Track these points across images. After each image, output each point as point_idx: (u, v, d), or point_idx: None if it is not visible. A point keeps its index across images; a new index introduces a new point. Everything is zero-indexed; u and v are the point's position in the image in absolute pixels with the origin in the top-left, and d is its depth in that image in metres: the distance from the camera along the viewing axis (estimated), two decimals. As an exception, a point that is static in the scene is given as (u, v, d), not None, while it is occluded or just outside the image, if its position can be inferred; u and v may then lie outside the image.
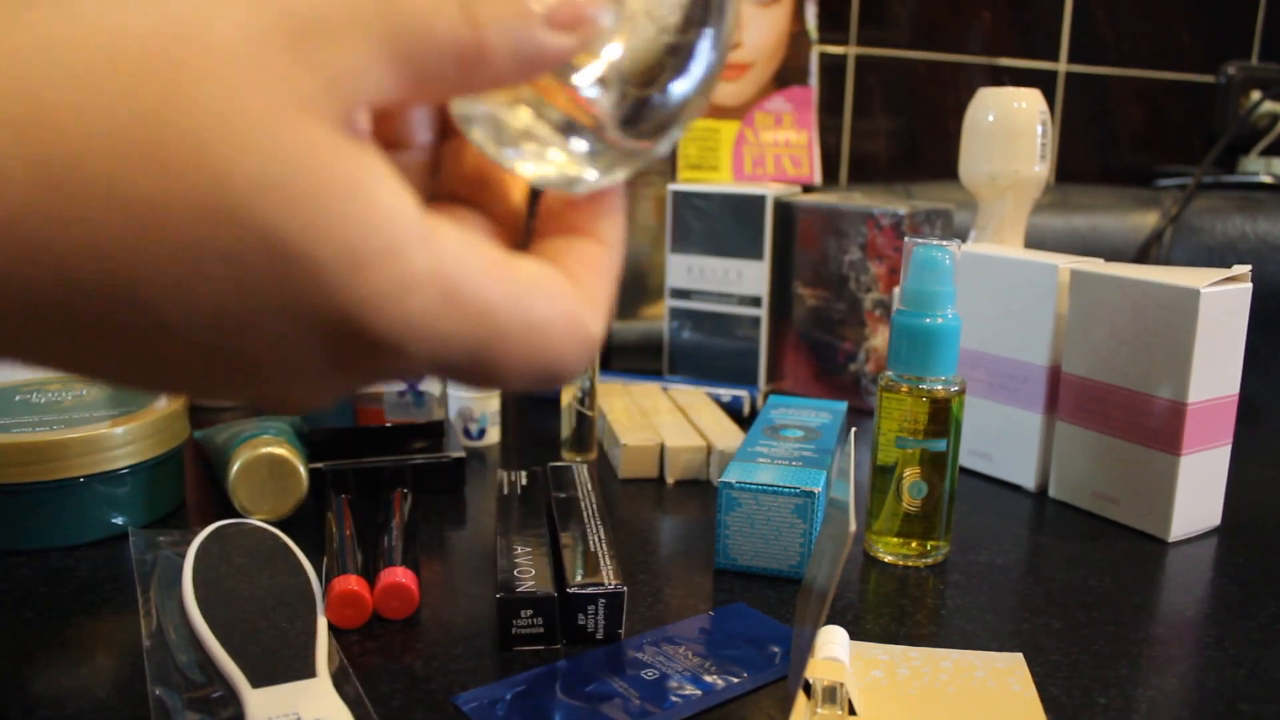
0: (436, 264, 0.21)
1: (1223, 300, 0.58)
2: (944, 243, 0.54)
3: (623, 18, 0.25)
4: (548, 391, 0.84)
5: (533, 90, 0.24)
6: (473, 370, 0.23)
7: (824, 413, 0.65)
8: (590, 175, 0.26)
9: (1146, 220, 1.20)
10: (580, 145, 0.26)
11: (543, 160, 0.26)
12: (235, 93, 0.18)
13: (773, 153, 1.18)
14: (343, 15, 0.19)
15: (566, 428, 0.71)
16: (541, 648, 0.45)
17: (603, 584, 0.46)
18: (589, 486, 0.58)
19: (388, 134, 0.26)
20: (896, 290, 0.80)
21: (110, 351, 0.20)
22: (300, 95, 0.19)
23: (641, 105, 0.26)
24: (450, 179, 0.27)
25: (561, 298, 0.24)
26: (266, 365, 0.20)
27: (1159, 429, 0.59)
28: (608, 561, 0.48)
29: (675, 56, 0.26)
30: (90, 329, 0.19)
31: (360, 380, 0.22)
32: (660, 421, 0.72)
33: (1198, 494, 0.60)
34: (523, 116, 0.25)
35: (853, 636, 0.46)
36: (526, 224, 0.29)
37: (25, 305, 0.18)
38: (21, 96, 0.17)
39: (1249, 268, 0.60)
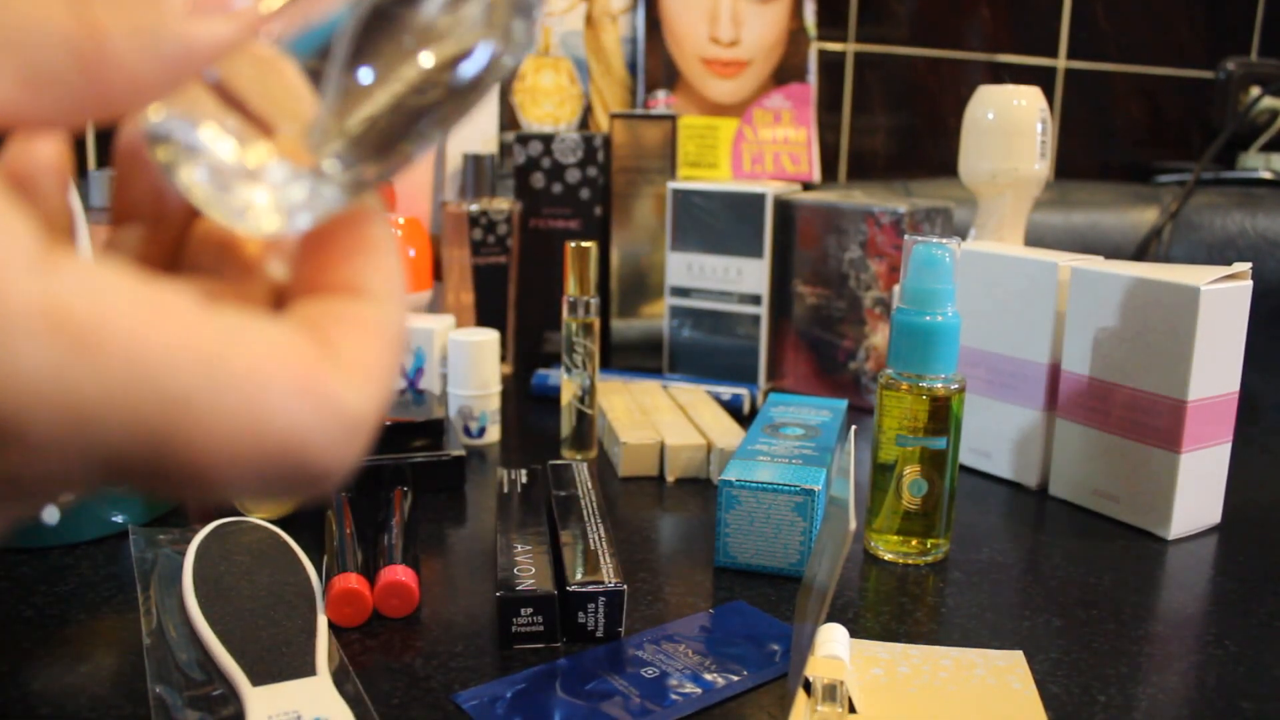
0: (52, 298, 0.15)
1: (1223, 298, 0.58)
2: (944, 240, 0.54)
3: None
4: (548, 390, 0.84)
5: (213, 102, 0.20)
6: (152, 456, 0.17)
7: (824, 411, 0.65)
8: (295, 215, 0.21)
9: (1146, 217, 1.20)
10: (275, 173, 0.21)
11: (230, 193, 0.20)
12: None
13: (772, 150, 1.18)
14: None
15: (567, 426, 0.71)
16: (541, 646, 0.45)
17: (603, 582, 0.46)
18: (589, 485, 0.58)
19: (124, 208, 0.22)
20: (896, 288, 0.80)
21: None
22: None
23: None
24: (187, 244, 0.22)
25: (286, 350, 0.18)
26: None
27: (1159, 426, 0.59)
28: (608, 560, 0.48)
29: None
30: None
31: None
32: (660, 420, 0.72)
33: (1198, 492, 0.60)
34: (203, 136, 0.20)
35: (853, 634, 0.46)
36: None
37: None
38: None
39: (1249, 265, 0.59)
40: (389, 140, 0.22)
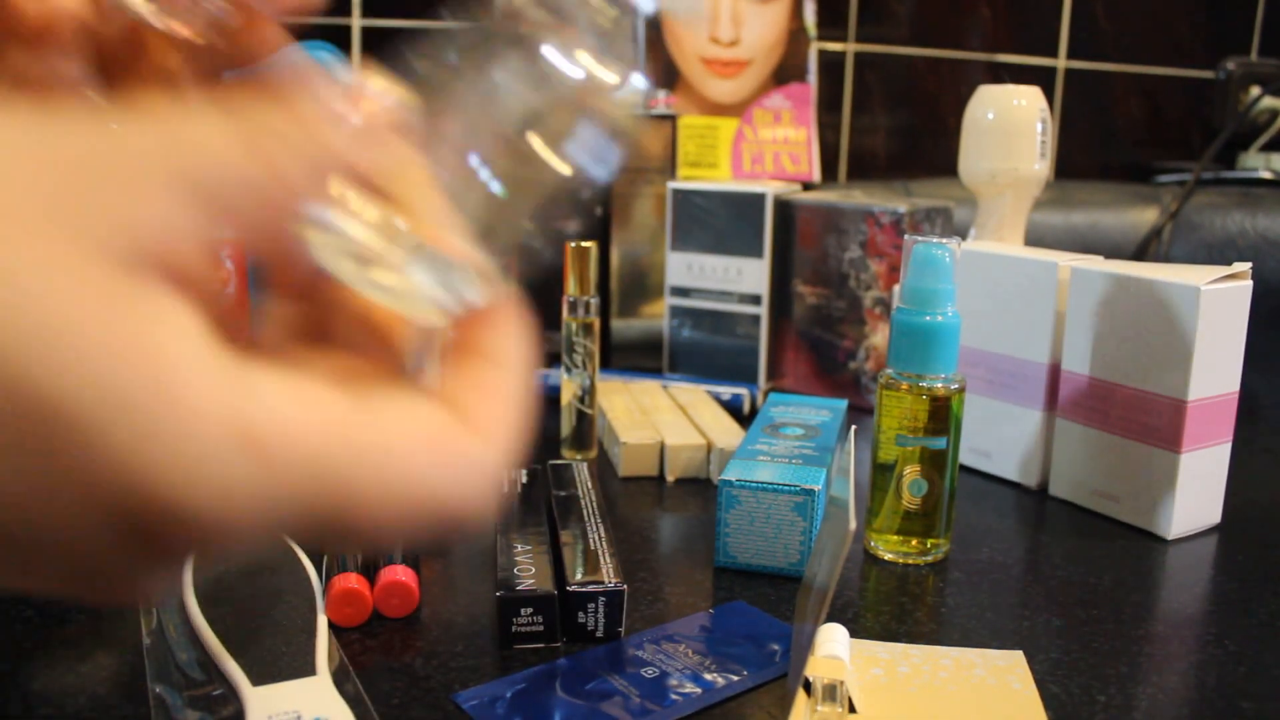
0: (237, 414, 0.18)
1: (1223, 298, 0.58)
2: (944, 240, 0.54)
3: None
4: (547, 390, 0.84)
5: (362, 191, 0.22)
6: (325, 528, 0.20)
7: (824, 411, 0.65)
8: (441, 300, 0.23)
9: (1146, 216, 1.20)
10: (422, 261, 0.23)
11: (380, 278, 0.23)
12: (12, 244, 0.17)
13: (772, 150, 1.18)
14: (129, 157, 0.18)
15: (566, 426, 0.71)
16: (541, 646, 0.45)
17: (603, 582, 0.46)
18: (589, 484, 0.58)
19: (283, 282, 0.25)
20: (896, 288, 0.80)
21: None
22: (84, 241, 0.17)
23: None
24: (329, 321, 0.25)
25: (423, 422, 0.21)
26: (60, 554, 0.18)
27: (1159, 426, 0.59)
28: (608, 560, 0.48)
29: None
30: None
31: (180, 564, 0.19)
32: (660, 419, 0.72)
33: (1198, 491, 0.60)
34: (355, 229, 0.22)
35: (853, 634, 0.46)
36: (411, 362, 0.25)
37: None
38: None
39: (1249, 265, 0.59)
40: (520, 229, 0.26)
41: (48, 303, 0.17)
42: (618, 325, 0.96)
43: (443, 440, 0.21)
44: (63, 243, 0.17)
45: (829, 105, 1.27)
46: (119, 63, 0.31)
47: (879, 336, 0.83)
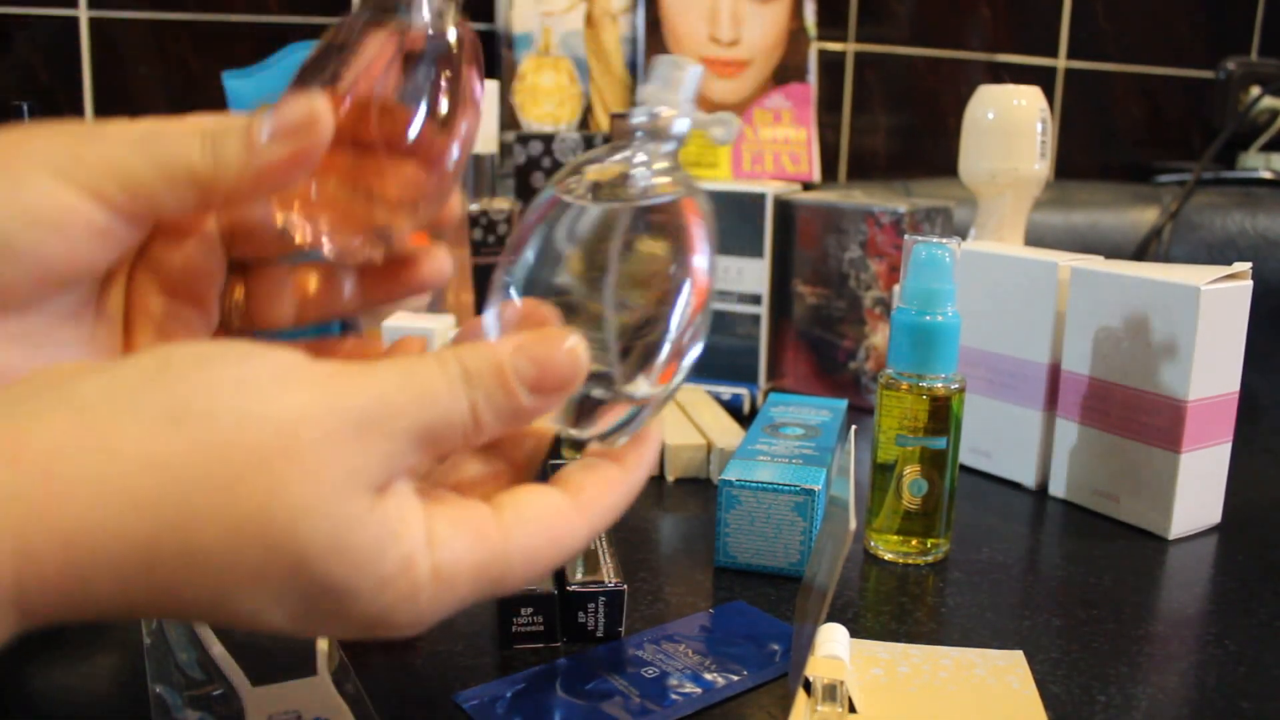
0: (434, 565, 0.28)
1: (1223, 297, 0.58)
2: (944, 240, 0.54)
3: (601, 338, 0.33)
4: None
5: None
6: (484, 598, 0.30)
7: (824, 411, 0.65)
8: (615, 434, 0.34)
9: (1146, 217, 1.20)
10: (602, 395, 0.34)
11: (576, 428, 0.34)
12: (318, 490, 0.26)
13: (772, 150, 1.18)
14: (389, 411, 0.28)
15: (566, 426, 0.70)
16: (542, 646, 0.45)
17: (603, 582, 0.46)
18: (589, 484, 0.58)
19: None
20: (896, 288, 0.80)
21: (196, 619, 0.30)
22: (361, 477, 0.27)
23: (640, 367, 0.34)
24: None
25: (545, 524, 0.31)
26: (324, 632, 0.30)
27: (1159, 426, 0.59)
28: (608, 559, 0.48)
29: (652, 333, 0.34)
30: (181, 616, 0.29)
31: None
32: (660, 419, 0.72)
33: (1198, 491, 0.60)
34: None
35: (853, 634, 0.46)
36: (545, 463, 0.37)
37: (146, 610, 0.27)
38: (176, 500, 0.25)
39: (1249, 265, 0.59)
40: (670, 366, 0.35)
41: (341, 523, 0.26)
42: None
43: (564, 532, 0.31)
44: (341, 483, 0.26)
45: (829, 105, 1.27)
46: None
47: (879, 336, 0.83)
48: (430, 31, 0.36)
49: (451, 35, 0.36)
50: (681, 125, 0.37)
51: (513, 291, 0.35)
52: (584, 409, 0.34)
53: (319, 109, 0.32)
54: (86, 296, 0.34)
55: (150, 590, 0.26)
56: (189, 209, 0.33)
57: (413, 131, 0.35)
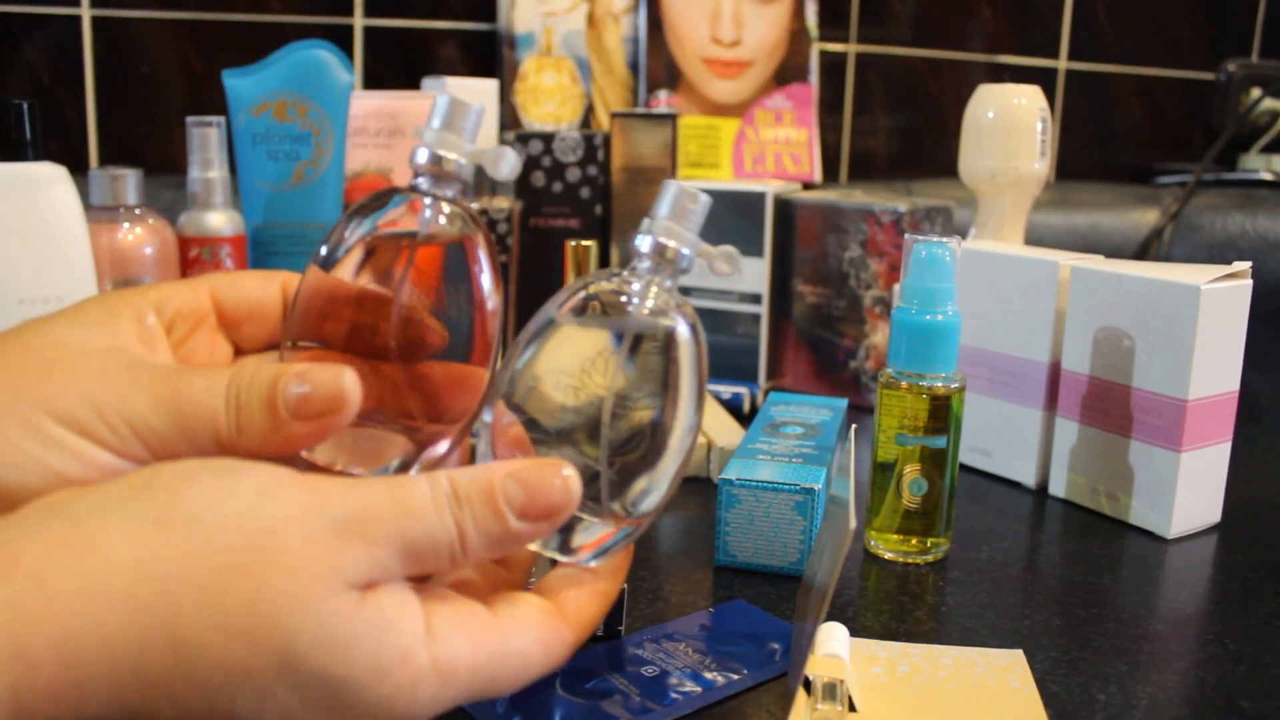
0: (433, 659, 0.29)
1: (1223, 297, 0.58)
2: (944, 239, 0.54)
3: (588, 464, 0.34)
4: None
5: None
6: (474, 700, 0.32)
7: (824, 410, 0.65)
8: (593, 560, 0.36)
9: (1147, 218, 1.20)
10: (583, 537, 0.36)
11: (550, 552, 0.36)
12: (299, 586, 0.27)
13: (773, 150, 1.18)
14: (370, 519, 0.29)
15: (566, 425, 0.70)
16: (541, 644, 0.45)
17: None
18: (589, 483, 0.58)
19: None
20: (897, 287, 0.80)
21: None
22: (342, 575, 0.28)
23: (622, 499, 0.36)
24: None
25: (539, 628, 0.32)
26: None
27: (1159, 425, 0.59)
28: (608, 558, 0.48)
29: (639, 461, 0.36)
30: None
31: None
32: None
33: (1198, 490, 0.60)
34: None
35: (853, 633, 0.46)
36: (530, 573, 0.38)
37: (144, 716, 0.27)
38: (164, 600, 0.26)
39: (1249, 264, 0.59)
40: (648, 497, 0.36)
41: (328, 620, 0.27)
42: (618, 325, 0.96)
43: (554, 641, 0.33)
44: (323, 580, 0.28)
45: (830, 106, 1.27)
46: None
47: (879, 335, 0.83)
48: (440, 238, 0.37)
49: (458, 232, 0.37)
50: (686, 259, 0.38)
51: (503, 403, 0.36)
52: (566, 529, 0.35)
53: (348, 388, 0.32)
54: None
55: (143, 691, 0.26)
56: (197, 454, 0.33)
57: (431, 347, 0.37)
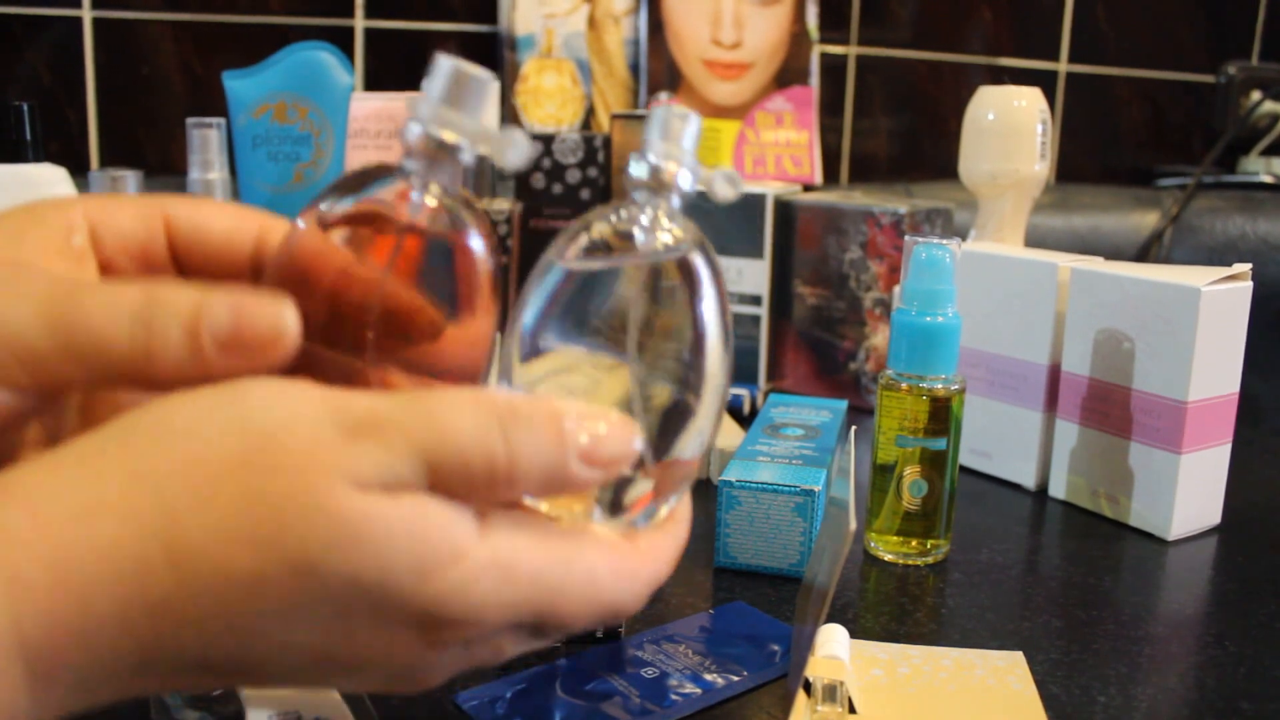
0: (493, 552, 0.26)
1: (1223, 299, 0.58)
2: (944, 241, 0.54)
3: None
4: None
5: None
6: (541, 623, 0.28)
7: (824, 411, 0.65)
8: (638, 519, 0.32)
9: (1147, 220, 1.20)
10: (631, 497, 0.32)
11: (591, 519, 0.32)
12: (303, 483, 0.25)
13: (774, 152, 1.18)
14: (385, 419, 0.26)
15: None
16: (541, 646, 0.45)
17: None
18: (589, 485, 0.58)
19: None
20: (897, 289, 0.80)
21: (236, 677, 0.27)
22: (351, 475, 0.25)
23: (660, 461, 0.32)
24: None
25: (609, 552, 0.29)
26: (375, 662, 0.27)
27: (1159, 427, 0.59)
28: (608, 560, 0.48)
29: (680, 404, 0.33)
30: (221, 669, 0.26)
31: (453, 652, 0.28)
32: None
33: (1198, 492, 0.60)
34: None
35: (853, 635, 0.46)
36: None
37: (175, 660, 0.25)
38: (157, 506, 0.24)
39: (1249, 266, 0.59)
40: (690, 443, 0.33)
41: (339, 521, 0.25)
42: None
43: (624, 566, 0.29)
44: (330, 481, 0.25)
45: (831, 108, 1.27)
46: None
47: (879, 337, 0.83)
48: (427, 229, 0.32)
49: (447, 227, 0.32)
50: (685, 179, 0.34)
51: (516, 361, 0.32)
52: (617, 487, 0.32)
53: (287, 323, 0.27)
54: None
55: (152, 617, 0.24)
56: (104, 388, 0.29)
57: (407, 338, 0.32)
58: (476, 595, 0.26)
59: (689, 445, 0.33)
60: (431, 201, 0.31)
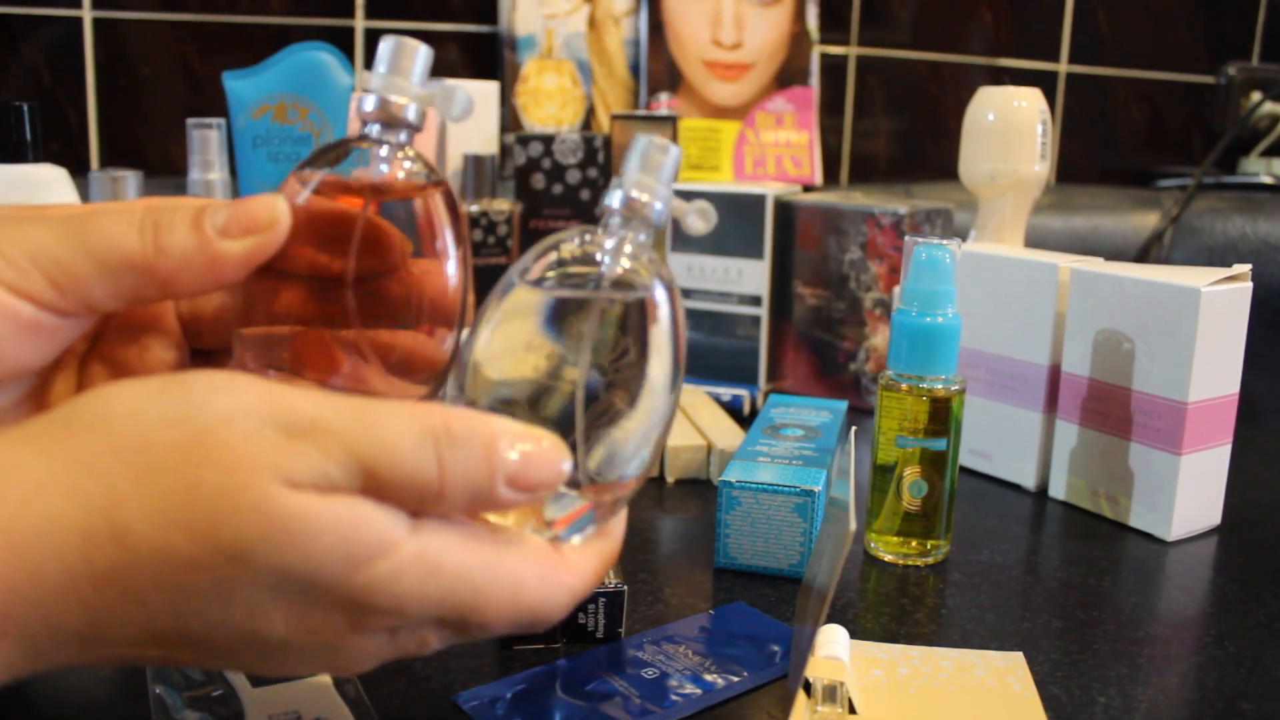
0: (421, 548, 0.28)
1: (1223, 299, 0.58)
2: (944, 242, 0.54)
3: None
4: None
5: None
6: (464, 621, 0.29)
7: (824, 412, 0.65)
8: (574, 536, 0.34)
9: (1147, 221, 1.20)
10: (563, 502, 0.33)
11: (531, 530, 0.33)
12: (239, 479, 0.26)
13: (774, 153, 1.18)
14: (325, 424, 0.27)
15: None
16: (541, 646, 0.45)
17: (603, 583, 0.46)
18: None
19: None
20: (897, 289, 0.80)
21: (177, 653, 0.28)
22: (282, 472, 0.26)
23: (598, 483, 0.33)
24: None
25: (536, 558, 0.30)
26: (308, 643, 0.28)
27: (1159, 428, 0.59)
28: (608, 560, 0.48)
29: (614, 430, 0.34)
30: (162, 642, 0.27)
31: (378, 639, 0.29)
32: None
33: (1198, 493, 0.60)
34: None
35: (853, 635, 0.46)
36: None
37: (119, 630, 0.26)
38: (103, 487, 0.26)
39: (1249, 267, 0.60)
40: (627, 467, 0.34)
41: (272, 515, 0.26)
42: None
43: (549, 574, 0.31)
44: (262, 477, 0.26)
45: (831, 109, 1.27)
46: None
47: (879, 338, 0.83)
48: (398, 190, 0.35)
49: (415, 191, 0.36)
50: (659, 212, 0.35)
51: (470, 371, 0.34)
52: (550, 502, 0.33)
53: (279, 209, 0.31)
54: (22, 394, 0.33)
55: (98, 586, 0.26)
56: (125, 301, 0.31)
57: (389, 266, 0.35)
58: (402, 587, 0.27)
59: (627, 468, 0.34)
60: (399, 161, 0.35)
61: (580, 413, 0.33)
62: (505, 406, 0.33)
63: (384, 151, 0.35)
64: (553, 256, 0.35)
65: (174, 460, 0.26)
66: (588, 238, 0.35)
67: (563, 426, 0.33)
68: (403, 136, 0.35)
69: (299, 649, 0.28)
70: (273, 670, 0.29)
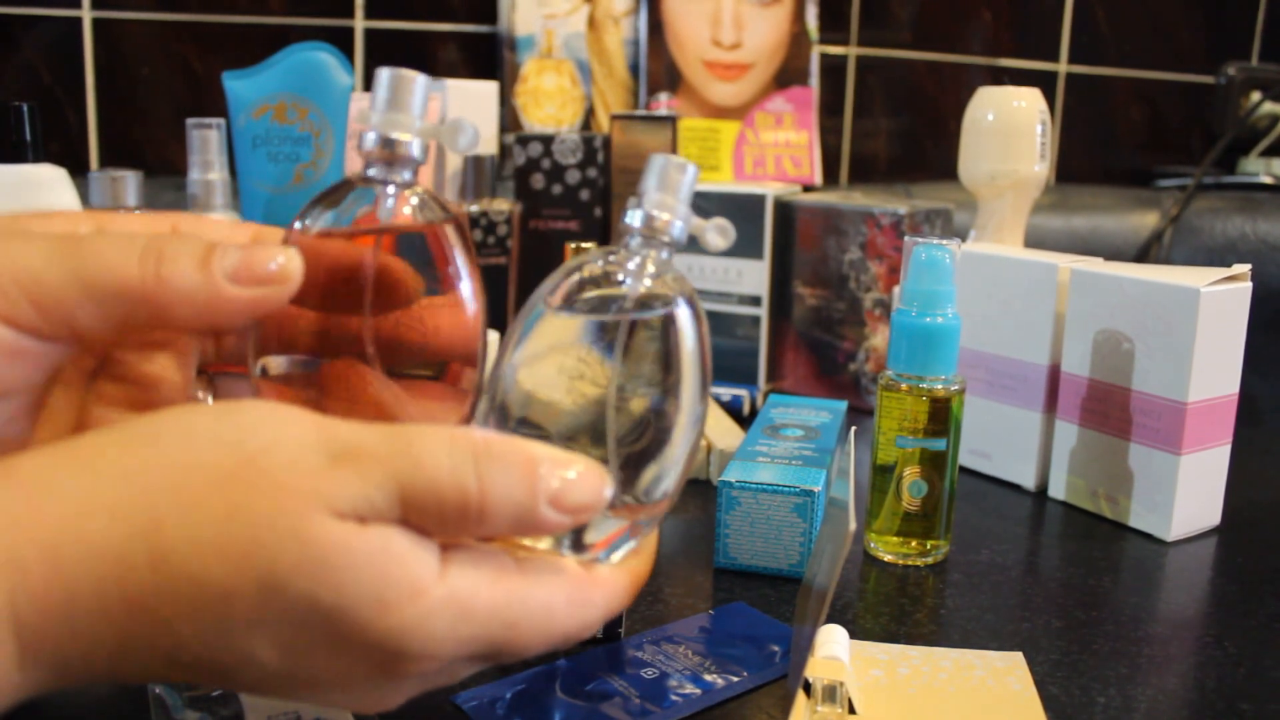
0: (451, 591, 0.28)
1: (1223, 299, 0.58)
2: (944, 242, 0.54)
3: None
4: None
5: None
6: (496, 654, 0.29)
7: (824, 412, 0.65)
8: (609, 551, 0.34)
9: (1146, 221, 1.20)
10: (602, 526, 0.33)
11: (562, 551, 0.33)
12: (282, 504, 0.26)
13: (773, 153, 1.18)
14: (366, 448, 0.27)
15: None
16: (541, 646, 0.45)
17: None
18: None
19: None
20: (896, 289, 0.80)
21: (202, 677, 0.27)
22: (326, 501, 0.26)
23: (630, 504, 0.33)
24: None
25: (564, 584, 0.30)
26: (334, 683, 0.28)
27: (1159, 428, 0.59)
28: (607, 560, 0.48)
29: (647, 451, 0.34)
30: (189, 668, 0.27)
31: (410, 682, 0.29)
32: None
33: (1198, 493, 0.60)
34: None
35: (852, 635, 0.46)
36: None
37: (147, 654, 0.26)
38: (144, 508, 0.26)
39: (1248, 267, 0.60)
40: (661, 486, 0.34)
41: (311, 545, 0.26)
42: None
43: (580, 598, 0.31)
44: (304, 506, 0.26)
45: (830, 109, 1.27)
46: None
47: (879, 338, 0.83)
48: (405, 228, 0.35)
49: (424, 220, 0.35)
50: (679, 230, 0.36)
51: (500, 399, 0.34)
52: (579, 526, 0.33)
53: (292, 265, 0.31)
54: (13, 411, 0.32)
55: (129, 609, 0.26)
56: (114, 328, 0.30)
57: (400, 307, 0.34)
58: (433, 631, 0.27)
59: (661, 487, 0.34)
60: (396, 198, 0.35)
61: (613, 434, 0.33)
62: (538, 432, 0.34)
63: (390, 190, 0.34)
64: (576, 279, 0.35)
65: (219, 483, 0.26)
66: (611, 258, 0.35)
67: (598, 449, 0.33)
68: (408, 175, 0.35)
69: (326, 689, 0.28)
70: (300, 700, 0.30)
